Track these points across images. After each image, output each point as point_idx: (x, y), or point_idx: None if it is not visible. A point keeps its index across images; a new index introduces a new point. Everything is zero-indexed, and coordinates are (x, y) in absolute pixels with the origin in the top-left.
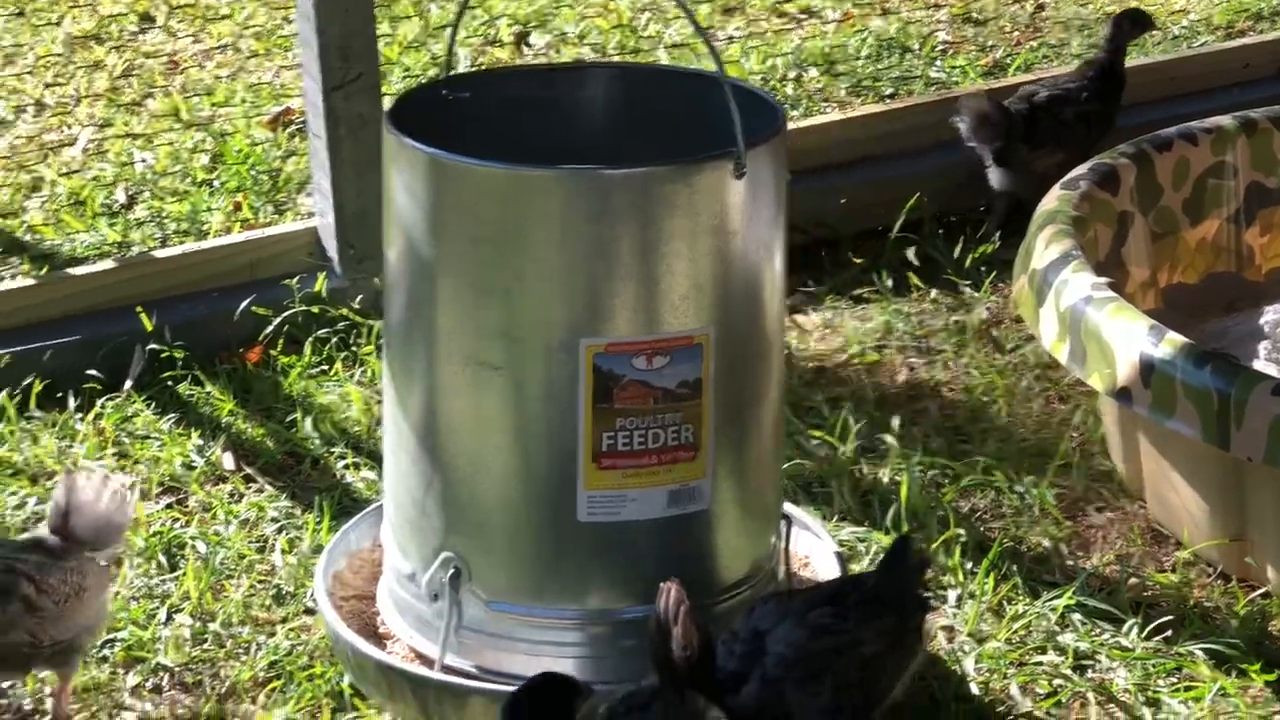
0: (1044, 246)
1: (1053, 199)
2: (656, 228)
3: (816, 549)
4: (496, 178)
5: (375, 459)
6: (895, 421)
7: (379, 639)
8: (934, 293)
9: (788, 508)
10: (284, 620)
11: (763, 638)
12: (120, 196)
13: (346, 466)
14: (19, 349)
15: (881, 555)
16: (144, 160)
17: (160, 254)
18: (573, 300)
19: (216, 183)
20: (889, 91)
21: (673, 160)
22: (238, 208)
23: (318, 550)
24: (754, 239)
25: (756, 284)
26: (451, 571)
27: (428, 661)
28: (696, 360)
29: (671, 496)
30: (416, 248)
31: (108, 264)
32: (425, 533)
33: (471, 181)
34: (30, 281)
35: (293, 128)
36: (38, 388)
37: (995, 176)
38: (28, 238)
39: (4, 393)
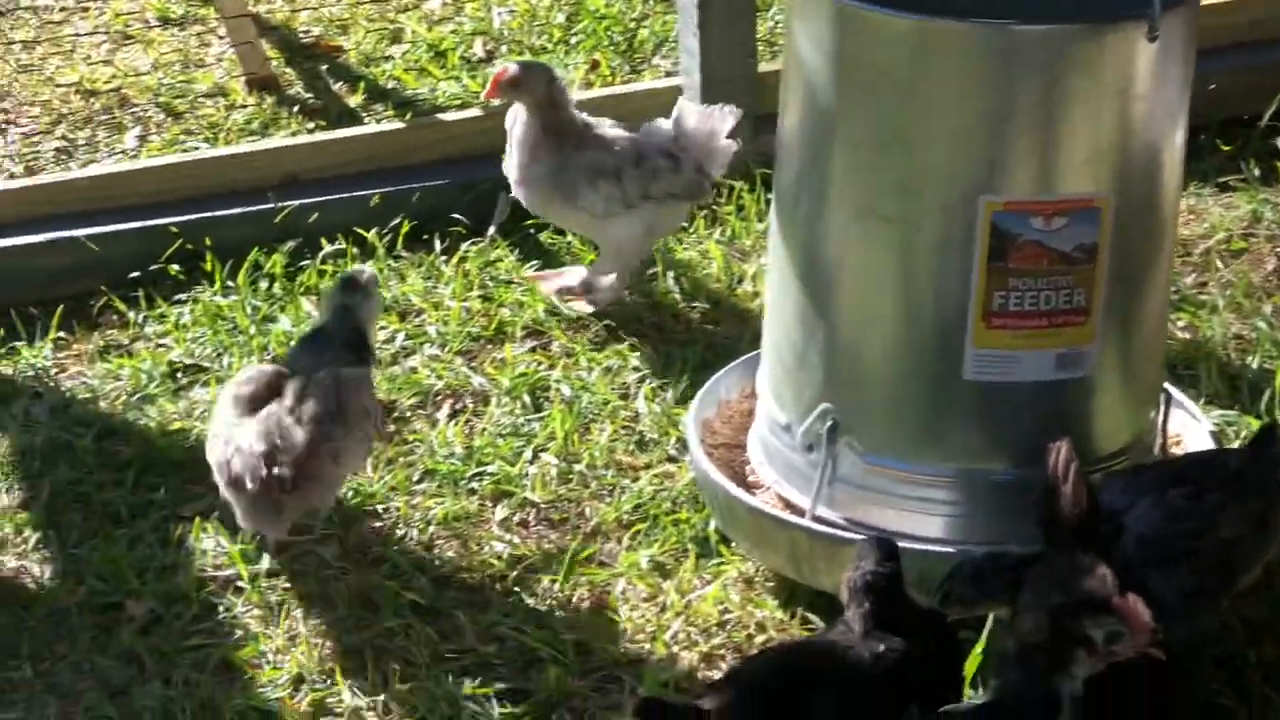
0: None
1: None
2: (1063, 86)
3: (1190, 428)
4: (903, 27)
5: (735, 315)
6: (1266, 308)
7: (748, 487)
8: None
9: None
10: (647, 466)
11: (1117, 516)
12: (478, 50)
13: (707, 321)
14: (389, 189)
15: (1248, 439)
16: (500, 15)
17: None
18: (974, 156)
19: (573, 40)
20: None
21: (1085, 18)
22: (595, 66)
23: (681, 400)
24: (1160, 106)
25: (1158, 152)
26: (829, 423)
27: (796, 511)
28: (1094, 224)
29: (1059, 360)
30: (817, 98)
31: (475, 111)
32: (804, 384)
33: (877, 30)
34: (400, 125)
35: None
36: (405, 228)
37: None
38: (391, 85)
39: (374, 231)
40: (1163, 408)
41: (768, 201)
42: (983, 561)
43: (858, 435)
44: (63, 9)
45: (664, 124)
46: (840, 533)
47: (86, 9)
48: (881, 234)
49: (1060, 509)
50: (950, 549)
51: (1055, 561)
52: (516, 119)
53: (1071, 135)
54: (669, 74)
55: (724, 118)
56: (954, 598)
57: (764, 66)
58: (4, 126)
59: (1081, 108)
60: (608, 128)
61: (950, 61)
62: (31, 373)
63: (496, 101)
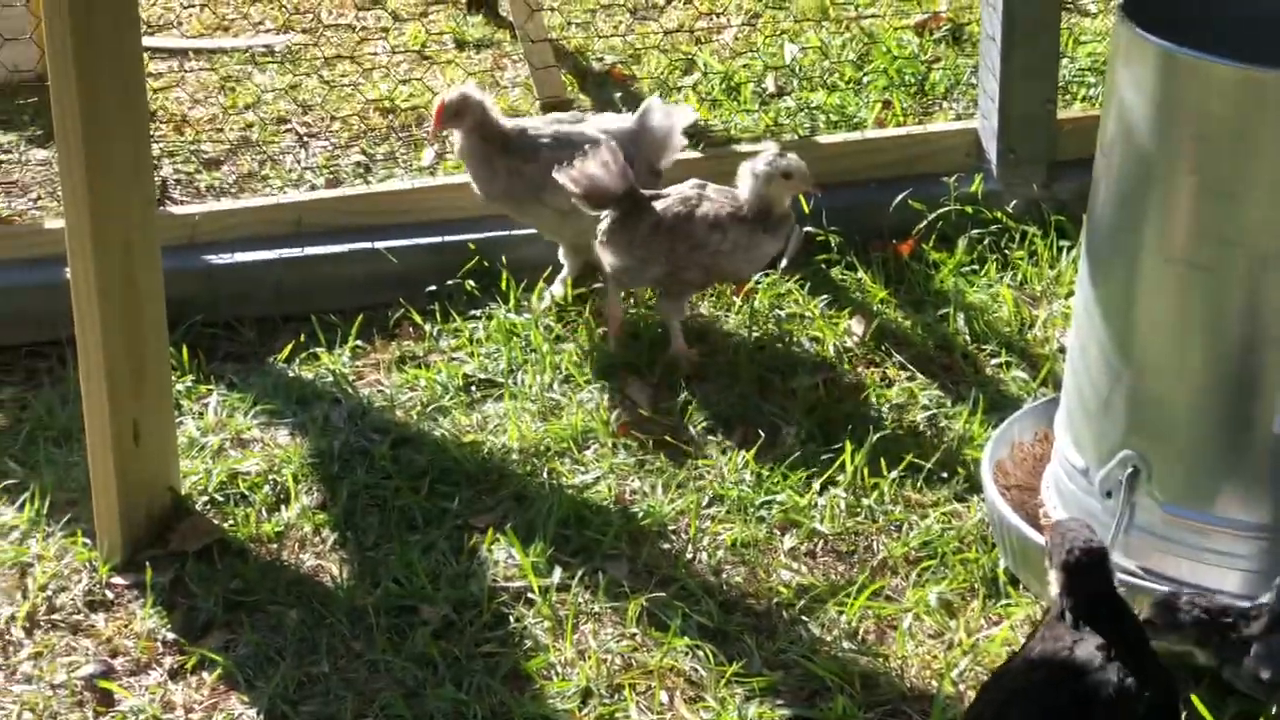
0: None
1: None
2: None
3: None
4: (1229, 76)
5: (1025, 359)
6: None
7: (1040, 530)
8: None
9: None
10: (935, 504)
11: None
12: (770, 85)
13: (998, 364)
14: None
15: None
16: (792, 51)
17: (823, 140)
18: None
19: (865, 79)
20: None
21: None
22: (887, 105)
23: (968, 440)
24: None
25: None
26: (1129, 470)
27: None
28: None
29: None
30: (1138, 143)
31: (771, 145)
32: (1105, 429)
33: (1203, 79)
34: (697, 154)
35: (938, 34)
36: None
37: None
38: None
39: None
40: None
41: (1059, 248)
42: (1175, 597)
43: (1158, 484)
44: (363, 29)
45: (614, 120)
46: (1136, 580)
47: (387, 30)
48: (1196, 282)
49: None
50: (1247, 604)
51: None
52: (458, 145)
53: None
54: (959, 116)
55: (683, 116)
56: (1146, 619)
57: (1060, 113)
58: (307, 140)
59: None
60: (544, 125)
61: (1276, 112)
62: (330, 379)
63: (445, 133)
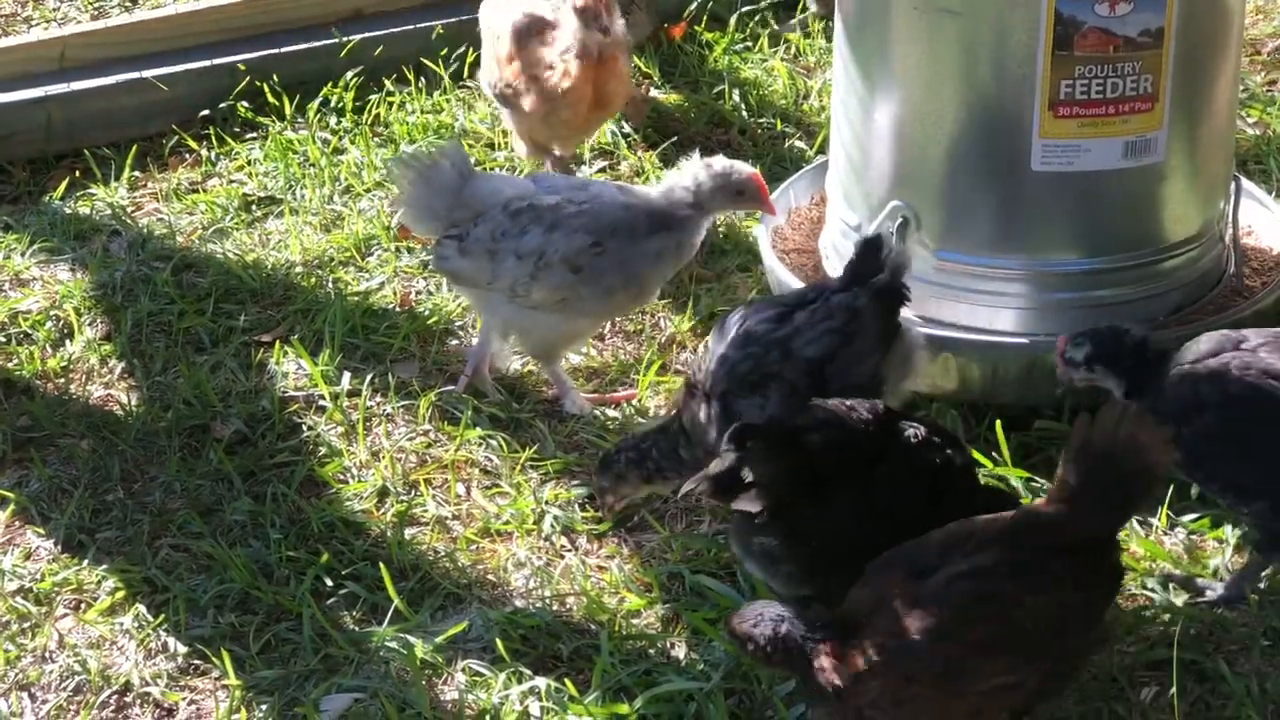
0: None
1: None
2: None
3: (1261, 219)
4: None
5: (802, 128)
6: None
7: None
8: None
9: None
10: (720, 276)
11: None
12: None
13: (774, 136)
14: (452, 20)
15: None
16: None
17: None
18: None
19: None
20: None
21: None
22: None
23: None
24: None
25: None
26: (899, 221)
27: None
28: (1160, 7)
29: (1127, 148)
30: None
31: None
32: (873, 183)
33: None
34: None
35: None
36: (471, 58)
37: None
38: None
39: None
40: (1233, 197)
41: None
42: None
43: (928, 232)
44: None
45: None
46: (913, 327)
47: None
48: (946, 26)
49: None
50: (1023, 340)
51: None
52: None
53: None
54: None
55: None
56: None
57: None
58: None
59: None
60: None
61: None
62: (108, 212)
63: None
